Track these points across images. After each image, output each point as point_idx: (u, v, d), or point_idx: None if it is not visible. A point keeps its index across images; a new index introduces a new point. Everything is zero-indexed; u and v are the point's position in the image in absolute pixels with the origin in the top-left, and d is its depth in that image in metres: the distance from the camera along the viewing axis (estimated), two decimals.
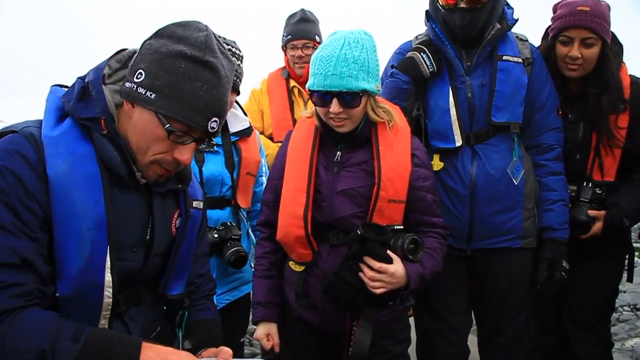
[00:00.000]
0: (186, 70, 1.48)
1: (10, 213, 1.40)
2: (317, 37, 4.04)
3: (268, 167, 3.26)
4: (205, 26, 1.56)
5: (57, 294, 1.48)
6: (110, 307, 1.57)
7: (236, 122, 3.02)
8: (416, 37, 3.05)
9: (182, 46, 1.49)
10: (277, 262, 2.59)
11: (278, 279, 2.59)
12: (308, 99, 3.54)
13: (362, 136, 2.39)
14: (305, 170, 2.40)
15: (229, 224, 2.85)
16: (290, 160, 2.48)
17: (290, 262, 2.49)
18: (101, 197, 1.53)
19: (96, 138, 1.53)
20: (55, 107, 1.57)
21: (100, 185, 1.53)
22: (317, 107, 2.36)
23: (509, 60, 2.81)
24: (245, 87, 4.20)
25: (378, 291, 2.21)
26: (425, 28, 2.98)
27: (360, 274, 2.22)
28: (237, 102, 3.10)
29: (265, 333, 2.48)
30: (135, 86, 1.50)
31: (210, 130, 1.56)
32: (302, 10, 4.10)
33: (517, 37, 2.92)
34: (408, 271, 2.24)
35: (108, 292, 1.56)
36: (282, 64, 4.20)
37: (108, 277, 1.54)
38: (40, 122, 1.55)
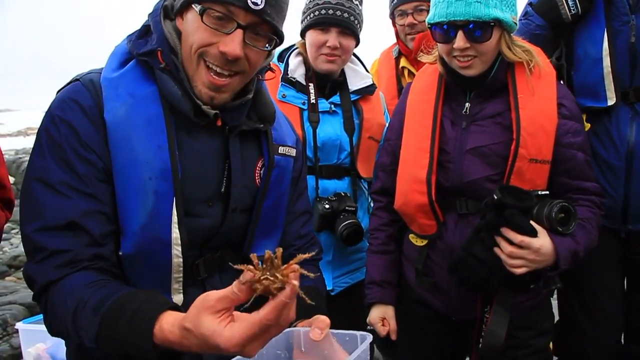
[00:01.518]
0: None
1: (62, 168, 1.29)
2: None
3: None
4: None
5: (120, 253, 1.34)
6: (181, 268, 1.40)
7: (356, 78, 2.64)
8: None
9: None
10: (395, 235, 2.25)
11: (396, 254, 2.25)
12: None
13: (496, 82, 1.98)
14: (429, 126, 2.02)
15: (342, 194, 2.48)
16: (410, 115, 2.12)
17: (411, 235, 2.14)
18: (165, 141, 1.35)
19: (157, 74, 1.39)
20: (121, 51, 1.44)
21: (163, 128, 1.35)
22: (439, 45, 1.98)
23: None
24: None
25: (518, 271, 1.81)
26: None
27: (496, 249, 1.83)
28: (357, 56, 2.72)
29: (380, 317, 2.18)
30: None
31: (253, 7, 1.32)
32: None
33: None
34: (557, 247, 1.82)
35: (177, 250, 1.37)
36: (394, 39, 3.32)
37: (175, 232, 1.36)
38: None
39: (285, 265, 1.01)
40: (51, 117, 1.33)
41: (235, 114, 1.47)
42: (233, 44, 1.33)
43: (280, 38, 1.44)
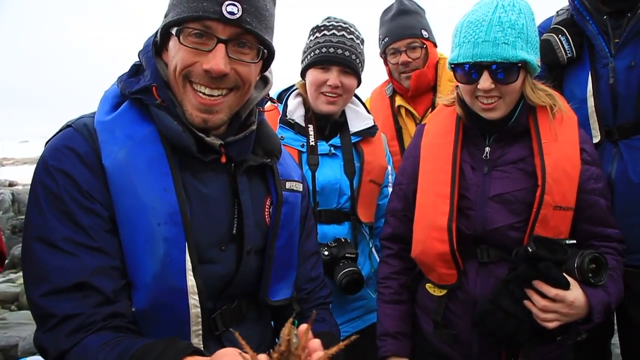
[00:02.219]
0: None
1: (64, 223, 1.19)
2: (424, 33, 2.94)
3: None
4: None
5: (133, 309, 1.23)
6: (200, 319, 1.29)
7: (357, 119, 2.54)
8: (557, 12, 2.54)
9: None
10: (407, 284, 2.14)
11: (409, 304, 2.15)
12: (421, 120, 2.92)
13: (518, 126, 1.91)
14: (448, 170, 1.93)
15: (342, 240, 2.37)
16: (426, 159, 2.03)
17: (428, 285, 2.04)
18: (170, 183, 1.26)
19: (153, 112, 1.30)
20: (113, 95, 1.38)
21: (167, 169, 1.26)
22: (462, 87, 1.91)
23: None
24: None
25: (551, 325, 1.73)
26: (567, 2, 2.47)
27: (527, 302, 1.74)
28: (358, 97, 2.63)
29: None
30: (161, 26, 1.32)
31: (229, 17, 1.25)
32: (399, 1, 3.01)
33: None
34: (590, 299, 1.74)
35: (194, 300, 1.27)
36: (385, 76, 3.19)
37: (191, 280, 1.26)
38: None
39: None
40: (45, 168, 1.22)
41: (240, 148, 1.38)
42: (216, 59, 1.25)
43: (269, 48, 1.36)
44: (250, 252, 1.41)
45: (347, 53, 2.34)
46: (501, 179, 1.91)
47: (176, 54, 1.28)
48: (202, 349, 1.30)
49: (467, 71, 1.83)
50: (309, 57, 2.38)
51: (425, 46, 2.90)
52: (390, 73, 3.06)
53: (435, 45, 3.00)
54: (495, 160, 1.93)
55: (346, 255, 2.31)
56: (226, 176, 1.39)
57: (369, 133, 2.52)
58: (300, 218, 1.59)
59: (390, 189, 2.57)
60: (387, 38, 2.97)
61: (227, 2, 1.24)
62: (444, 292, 1.99)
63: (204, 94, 1.29)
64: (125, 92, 1.33)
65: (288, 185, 1.52)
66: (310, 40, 2.40)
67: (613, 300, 1.80)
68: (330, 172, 2.41)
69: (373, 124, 2.55)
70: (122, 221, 1.23)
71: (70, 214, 1.19)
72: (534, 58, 1.82)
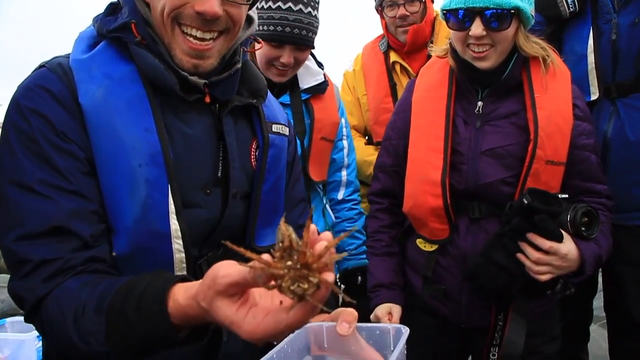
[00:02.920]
0: None
1: (38, 165, 1.13)
2: None
3: (351, 128, 2.76)
4: None
5: (114, 253, 1.18)
6: (184, 265, 1.23)
7: (308, 76, 2.47)
8: None
9: None
10: (398, 237, 2.13)
11: (400, 257, 2.14)
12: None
13: (511, 79, 1.89)
14: (441, 124, 1.91)
15: None
16: (417, 113, 2.00)
17: (418, 240, 2.03)
18: (152, 123, 1.19)
19: (132, 50, 1.23)
20: (88, 35, 1.29)
21: (148, 108, 1.20)
22: (453, 34, 1.89)
23: None
24: (336, 74, 3.16)
25: (544, 277, 1.74)
26: None
27: (520, 255, 1.74)
28: (312, 54, 2.53)
29: (387, 312, 2.03)
30: None
31: None
32: None
33: None
34: (582, 252, 1.75)
35: (178, 244, 1.21)
36: (380, 30, 3.10)
37: (174, 224, 1.20)
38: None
39: (316, 255, 0.79)
40: (17, 108, 1.16)
41: (225, 87, 1.32)
42: (210, 1, 1.18)
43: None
44: (236, 196, 1.35)
45: (303, 32, 2.26)
46: (494, 134, 1.89)
47: None
48: None
49: (459, 17, 1.80)
50: (261, 28, 2.26)
51: (423, 0, 2.84)
52: (386, 27, 2.98)
53: (433, 1, 2.93)
54: (488, 114, 1.91)
55: None
56: (211, 117, 1.33)
57: (318, 90, 2.47)
58: (288, 163, 1.54)
59: (345, 142, 2.57)
60: None
61: None
62: (434, 247, 1.98)
63: (194, 37, 1.22)
64: (102, 31, 1.26)
65: (274, 128, 1.47)
66: (264, 10, 2.27)
67: (604, 253, 1.82)
68: None
69: (323, 79, 2.49)
70: (101, 163, 1.17)
71: (45, 156, 1.13)
72: (528, 7, 1.79)
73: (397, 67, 2.93)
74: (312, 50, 2.49)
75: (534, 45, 1.88)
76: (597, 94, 2.29)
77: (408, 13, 2.82)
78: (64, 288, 1.08)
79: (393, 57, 2.94)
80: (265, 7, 2.26)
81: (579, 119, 1.90)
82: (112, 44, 1.24)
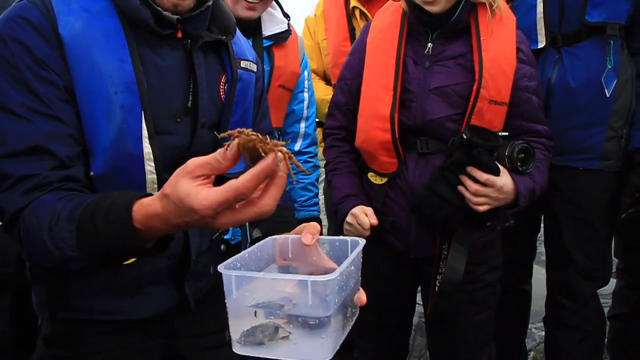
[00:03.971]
0: None
1: (19, 90, 1.20)
2: None
3: (311, 72, 2.82)
4: None
5: (92, 173, 1.27)
6: (156, 186, 1.33)
7: (272, 23, 2.51)
8: None
9: None
10: (357, 161, 2.23)
11: (361, 181, 2.22)
12: None
13: (459, 23, 1.99)
14: (392, 64, 2.01)
15: None
16: (371, 53, 2.09)
17: (370, 174, 2.14)
18: (127, 54, 1.27)
19: None
20: None
21: (124, 41, 1.27)
22: None
23: None
24: (298, 19, 3.23)
25: (481, 208, 1.87)
26: None
27: (460, 187, 1.87)
28: (279, 3, 2.59)
29: (362, 211, 2.07)
30: None
31: None
32: None
33: None
34: (517, 185, 1.89)
35: (149, 166, 1.31)
36: None
37: (147, 147, 1.29)
38: None
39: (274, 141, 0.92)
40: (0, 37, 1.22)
41: (196, 23, 1.39)
42: None
43: None
44: (204, 126, 1.44)
45: None
46: (441, 73, 1.99)
47: None
48: None
49: None
50: None
51: None
52: None
53: None
54: (437, 55, 2.01)
55: None
56: (182, 52, 1.40)
57: (281, 37, 2.51)
58: (255, 99, 1.62)
59: (306, 94, 2.64)
60: None
61: None
62: (384, 180, 2.09)
63: None
64: None
65: (243, 64, 1.55)
66: None
67: (537, 188, 1.95)
68: None
69: (287, 28, 2.54)
70: (80, 90, 1.24)
71: (25, 82, 1.20)
72: None
73: (357, 13, 2.97)
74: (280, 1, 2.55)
75: None
76: (544, 43, 2.40)
77: None
78: (41, 201, 1.16)
79: (353, 2, 2.98)
80: None
81: (522, 62, 2.00)
82: None
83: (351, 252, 1.14)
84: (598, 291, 2.61)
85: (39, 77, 1.20)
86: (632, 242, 2.55)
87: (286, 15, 2.59)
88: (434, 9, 1.94)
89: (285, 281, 1.05)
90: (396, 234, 2.12)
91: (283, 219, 1.54)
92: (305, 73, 2.67)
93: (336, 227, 2.62)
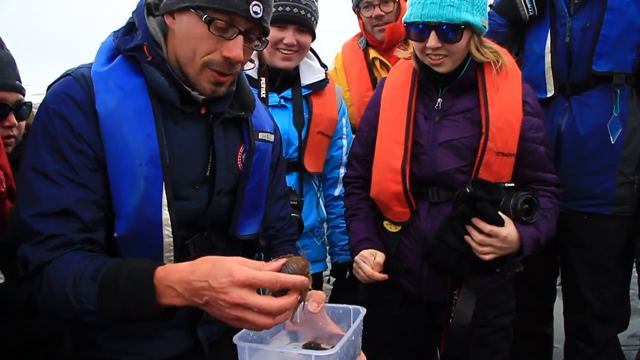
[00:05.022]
0: None
1: (55, 158, 1.37)
2: None
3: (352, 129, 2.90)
4: None
5: (115, 234, 1.43)
6: (172, 247, 1.49)
7: (310, 73, 2.63)
8: None
9: None
10: (374, 208, 2.34)
11: (377, 226, 2.32)
12: None
13: (466, 80, 2.10)
14: (403, 119, 2.13)
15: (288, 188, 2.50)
16: (385, 108, 2.22)
17: (385, 222, 2.25)
18: (153, 130, 1.44)
19: (143, 67, 1.47)
20: (108, 47, 1.53)
21: (151, 117, 1.45)
22: (414, 44, 2.10)
23: None
24: None
25: (487, 257, 1.96)
26: None
27: (467, 237, 1.97)
28: (313, 50, 2.72)
29: (371, 254, 2.15)
30: None
31: (254, 16, 1.42)
32: None
33: None
34: (521, 235, 1.97)
35: (167, 230, 1.47)
36: (358, 29, 3.24)
37: (165, 214, 1.46)
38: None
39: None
40: (46, 110, 1.40)
41: (220, 103, 1.56)
42: (237, 50, 1.43)
43: (267, 38, 1.55)
44: (220, 193, 1.60)
45: (302, 12, 2.45)
46: (450, 127, 2.11)
47: (199, 38, 1.42)
48: None
49: (418, 30, 2.01)
50: None
51: (397, 0, 3.00)
52: (363, 26, 3.14)
53: (406, 0, 3.09)
54: (446, 110, 2.13)
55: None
56: (204, 125, 1.56)
57: (319, 86, 2.61)
58: (272, 164, 1.78)
59: (344, 141, 2.74)
60: None
61: (253, 3, 1.41)
62: (398, 228, 2.20)
63: (218, 73, 1.47)
64: (120, 48, 1.49)
65: (261, 135, 1.70)
66: None
67: (543, 237, 2.03)
68: (279, 123, 2.41)
69: (324, 77, 2.64)
70: (109, 160, 1.40)
71: (61, 152, 1.36)
72: (479, 19, 1.99)
73: (377, 63, 3.10)
74: (316, 52, 2.71)
75: (486, 52, 2.07)
76: (553, 92, 2.49)
77: (383, 13, 2.98)
78: (66, 258, 1.33)
79: (372, 53, 3.11)
80: None
81: (528, 114, 2.10)
82: (127, 59, 1.48)
83: (353, 321, 1.33)
84: (622, 334, 2.63)
85: (73, 148, 1.38)
86: None
87: (323, 65, 2.73)
88: (441, 69, 2.06)
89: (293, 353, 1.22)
90: (409, 278, 2.22)
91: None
92: (344, 120, 2.77)
93: None
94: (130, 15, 1.54)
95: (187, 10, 1.41)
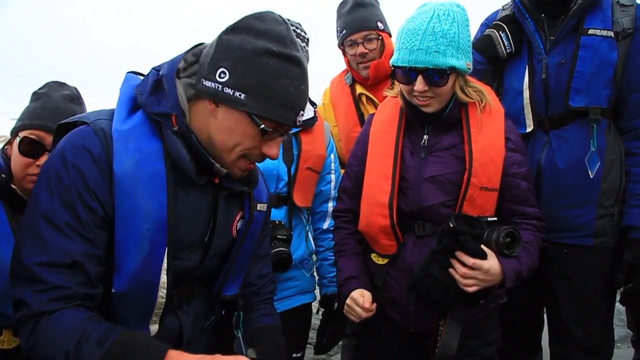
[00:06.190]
0: (275, 68, 1.43)
1: (67, 211, 1.39)
2: (379, 25, 3.05)
3: (341, 163, 3.00)
4: (281, 17, 1.50)
5: (113, 290, 1.47)
6: (163, 306, 1.56)
7: None
8: (502, 7, 2.79)
9: (265, 42, 1.43)
10: (362, 242, 2.41)
11: (364, 261, 2.39)
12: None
13: (451, 117, 2.19)
14: (390, 155, 2.21)
15: (277, 222, 2.53)
16: (373, 144, 2.31)
17: (373, 255, 2.32)
18: (164, 198, 1.48)
19: (166, 135, 1.50)
20: (128, 98, 1.55)
21: (164, 185, 1.48)
22: (401, 85, 2.18)
23: (595, 35, 2.44)
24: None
25: (470, 289, 2.02)
26: None
27: (451, 270, 2.04)
28: None
29: (360, 294, 2.22)
30: (220, 86, 1.44)
31: (298, 124, 1.54)
32: None
33: (618, 1, 2.48)
34: (504, 268, 2.04)
35: (162, 292, 1.54)
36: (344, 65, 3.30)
37: (164, 278, 1.52)
38: (112, 112, 1.52)
39: None
40: (63, 160, 1.41)
41: (235, 182, 1.65)
42: (276, 149, 1.55)
43: None
44: (213, 257, 1.69)
45: None
46: (435, 163, 2.19)
47: (245, 136, 1.49)
48: (158, 323, 1.59)
49: (404, 73, 2.09)
50: None
51: (381, 37, 3.06)
52: (349, 63, 3.17)
53: (390, 35, 3.13)
54: (432, 146, 2.21)
55: (277, 236, 2.46)
56: (210, 195, 1.63)
57: (308, 124, 2.66)
58: (261, 228, 1.85)
59: (332, 176, 2.81)
60: (344, 31, 3.07)
61: (299, 113, 1.51)
62: (385, 260, 2.27)
63: (250, 161, 1.57)
64: (144, 108, 1.50)
65: (259, 207, 1.79)
66: None
67: (524, 269, 2.09)
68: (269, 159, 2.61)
69: (313, 115, 2.68)
70: (119, 220, 1.42)
71: (73, 206, 1.39)
72: (464, 63, 2.07)
73: (364, 99, 3.15)
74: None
75: (470, 92, 2.16)
76: (532, 126, 2.58)
77: (367, 50, 3.04)
78: (69, 313, 1.37)
79: (359, 89, 3.17)
80: None
81: (511, 150, 2.19)
82: (148, 119, 1.50)
83: None
84: None
85: (84, 205, 1.41)
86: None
87: (312, 103, 2.78)
88: (428, 110, 2.15)
89: None
90: (396, 309, 2.28)
91: (277, 344, 1.84)
92: (332, 156, 2.84)
93: None
94: (155, 69, 1.56)
95: (241, 111, 1.45)
